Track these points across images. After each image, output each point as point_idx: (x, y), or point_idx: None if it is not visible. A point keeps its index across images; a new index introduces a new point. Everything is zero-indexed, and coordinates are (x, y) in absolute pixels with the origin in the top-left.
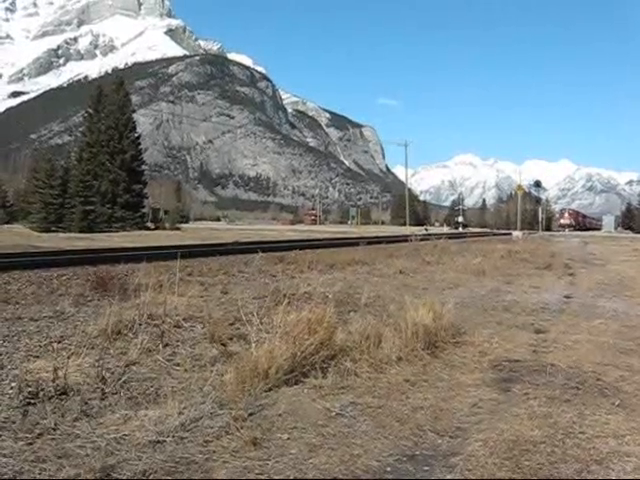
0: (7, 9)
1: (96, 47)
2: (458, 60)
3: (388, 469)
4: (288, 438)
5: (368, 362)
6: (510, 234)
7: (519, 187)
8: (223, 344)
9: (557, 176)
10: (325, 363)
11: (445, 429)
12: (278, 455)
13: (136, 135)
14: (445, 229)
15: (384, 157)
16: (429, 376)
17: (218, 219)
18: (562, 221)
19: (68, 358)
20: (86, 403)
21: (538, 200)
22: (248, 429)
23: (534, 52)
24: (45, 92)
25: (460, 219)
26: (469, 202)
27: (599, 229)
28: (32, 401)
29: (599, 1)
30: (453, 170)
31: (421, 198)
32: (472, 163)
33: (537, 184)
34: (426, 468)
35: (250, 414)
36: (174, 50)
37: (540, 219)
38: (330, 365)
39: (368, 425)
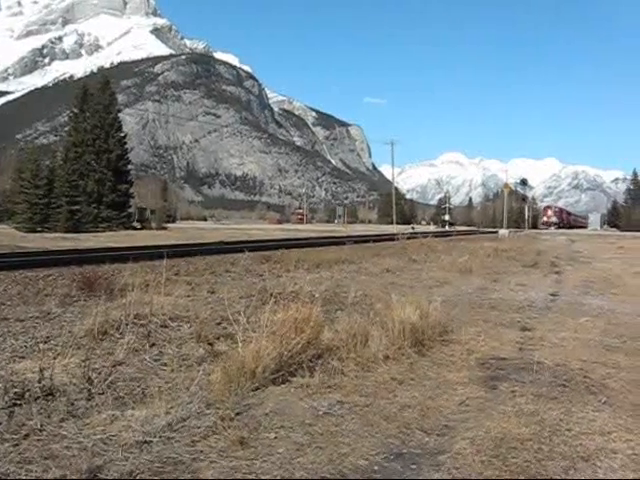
0: None
1: (81, 46)
2: (444, 59)
3: (376, 468)
4: (275, 437)
5: (355, 361)
6: (496, 232)
7: (506, 185)
8: (210, 344)
9: (543, 174)
10: (312, 362)
11: (432, 427)
12: (265, 455)
13: (122, 134)
14: (432, 227)
15: (371, 156)
16: (416, 374)
17: (205, 218)
18: (546, 219)
19: (54, 359)
20: (72, 404)
21: (524, 198)
22: (235, 429)
23: (519, 51)
24: (30, 92)
25: (447, 217)
26: (456, 200)
27: (585, 227)
28: (18, 402)
29: (583, 0)
30: (440, 168)
31: (408, 196)
32: (459, 161)
33: (523, 182)
34: (413, 467)
35: (237, 414)
36: (160, 49)
37: (526, 217)
38: (317, 364)
39: (356, 424)
